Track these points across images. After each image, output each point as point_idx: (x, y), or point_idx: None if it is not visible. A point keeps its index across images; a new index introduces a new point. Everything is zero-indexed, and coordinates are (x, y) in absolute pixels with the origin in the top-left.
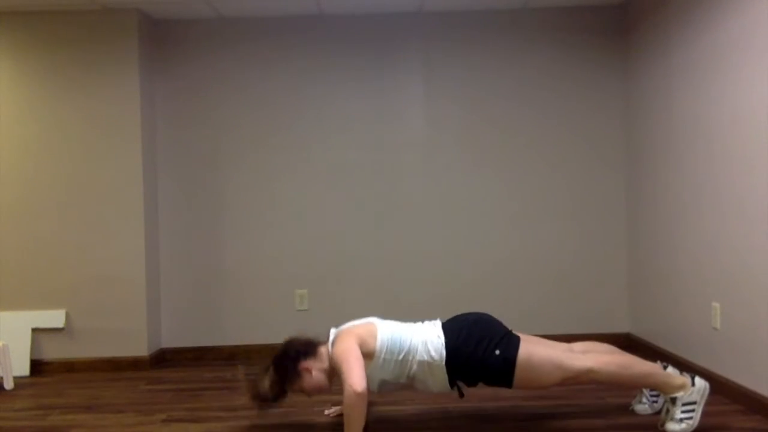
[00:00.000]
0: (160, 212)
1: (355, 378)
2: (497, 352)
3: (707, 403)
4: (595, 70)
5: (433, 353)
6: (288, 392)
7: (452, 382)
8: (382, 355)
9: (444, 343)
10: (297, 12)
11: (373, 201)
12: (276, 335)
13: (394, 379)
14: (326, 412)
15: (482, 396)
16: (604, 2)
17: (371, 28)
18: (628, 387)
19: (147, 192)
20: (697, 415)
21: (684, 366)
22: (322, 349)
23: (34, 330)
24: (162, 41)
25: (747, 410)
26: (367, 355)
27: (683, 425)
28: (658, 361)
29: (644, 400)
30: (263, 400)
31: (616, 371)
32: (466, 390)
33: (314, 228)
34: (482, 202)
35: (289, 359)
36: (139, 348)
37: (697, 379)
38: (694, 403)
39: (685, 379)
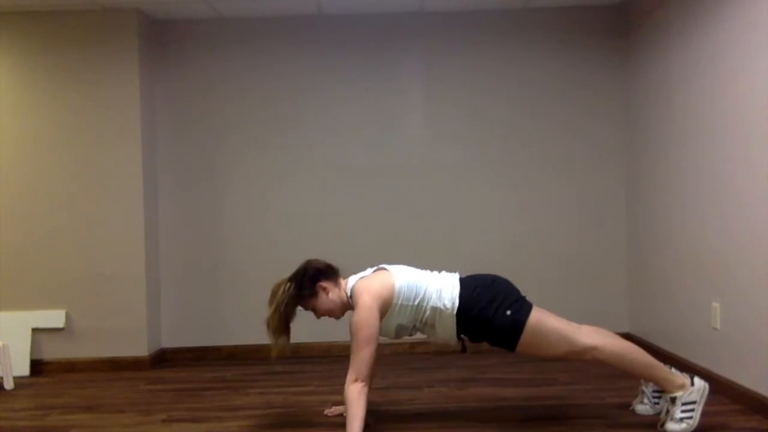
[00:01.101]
0: (160, 212)
1: (363, 375)
2: (508, 312)
3: (707, 403)
4: (595, 69)
5: (446, 302)
6: (296, 310)
7: (459, 334)
8: (399, 302)
9: (459, 294)
10: (297, 12)
11: (374, 201)
12: None
13: (409, 323)
14: (326, 412)
15: (482, 396)
16: (604, 2)
17: (371, 28)
18: (628, 373)
19: (147, 192)
20: (696, 415)
21: (684, 366)
22: (342, 281)
23: (34, 330)
24: (162, 41)
25: (747, 410)
26: (385, 308)
27: (683, 425)
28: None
29: (645, 400)
30: (277, 324)
31: (620, 353)
32: (469, 345)
33: (314, 228)
34: (482, 202)
35: (308, 276)
36: (139, 348)
37: (696, 379)
38: (694, 402)
39: (685, 379)
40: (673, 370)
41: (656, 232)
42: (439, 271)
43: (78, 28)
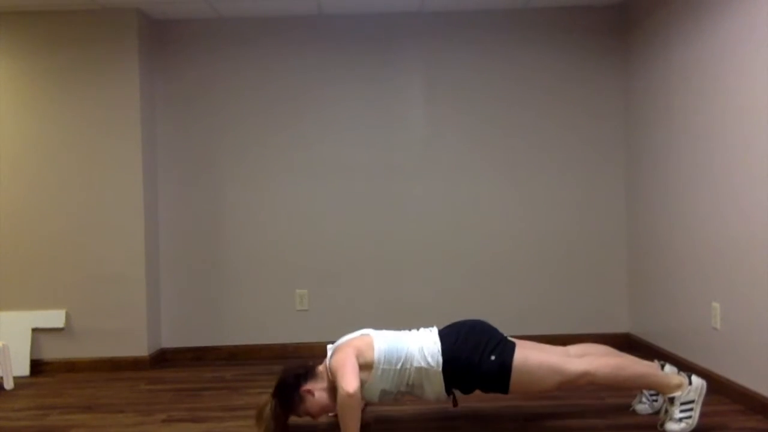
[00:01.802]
0: (160, 212)
1: (347, 380)
2: (493, 357)
3: (706, 403)
4: (595, 69)
5: (429, 359)
6: (289, 420)
7: (448, 389)
8: (381, 366)
9: (440, 349)
10: (297, 12)
11: (374, 201)
12: (276, 335)
13: (393, 387)
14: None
15: (482, 396)
16: (604, 2)
17: (371, 28)
18: (625, 388)
19: (147, 192)
20: (695, 414)
21: (684, 366)
22: (320, 368)
23: (34, 330)
24: (162, 41)
25: (747, 410)
26: (366, 367)
27: (682, 425)
28: (656, 360)
29: (644, 399)
30: None
31: (613, 373)
32: (460, 398)
33: (315, 228)
34: (482, 202)
35: (288, 386)
36: (139, 348)
37: (694, 378)
38: (692, 401)
39: (683, 378)
40: (667, 367)
41: (656, 232)
42: (417, 329)
43: (78, 28)
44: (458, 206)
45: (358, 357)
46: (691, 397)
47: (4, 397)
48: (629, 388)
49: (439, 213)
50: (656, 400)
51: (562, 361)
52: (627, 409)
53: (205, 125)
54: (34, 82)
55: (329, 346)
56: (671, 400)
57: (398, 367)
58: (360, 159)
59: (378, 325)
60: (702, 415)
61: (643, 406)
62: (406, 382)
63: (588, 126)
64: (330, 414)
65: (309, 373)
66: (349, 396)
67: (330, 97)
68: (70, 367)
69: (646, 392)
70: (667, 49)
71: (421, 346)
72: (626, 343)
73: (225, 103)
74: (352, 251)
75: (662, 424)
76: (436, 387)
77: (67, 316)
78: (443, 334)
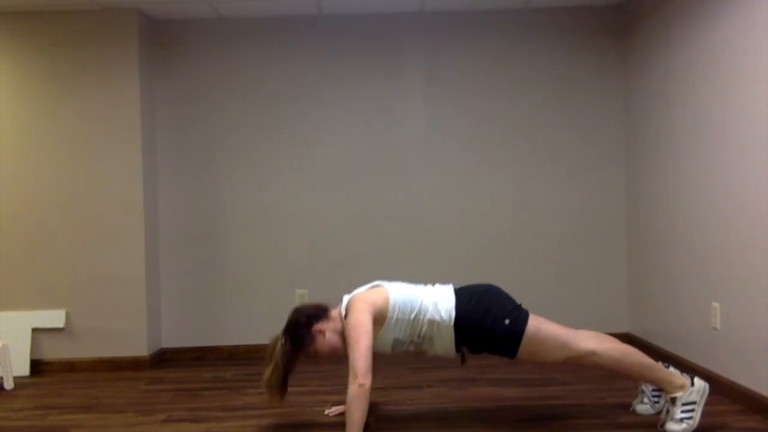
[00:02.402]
0: (160, 212)
1: (361, 371)
2: (507, 321)
3: (707, 403)
4: (595, 70)
5: (443, 314)
6: (298, 362)
7: (458, 346)
8: (395, 316)
9: (454, 305)
10: (297, 12)
11: (374, 201)
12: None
13: (406, 337)
14: (326, 411)
15: (482, 396)
16: (604, 2)
17: (371, 28)
18: (628, 376)
19: (147, 192)
20: (697, 415)
21: (684, 366)
22: (334, 312)
23: (34, 330)
24: (162, 41)
25: (747, 410)
26: (380, 320)
27: (683, 425)
28: (660, 362)
29: (645, 400)
30: (278, 380)
31: (619, 357)
32: (468, 356)
33: (315, 228)
34: (482, 201)
35: (300, 324)
36: (139, 348)
37: (697, 380)
38: (694, 403)
39: (685, 380)
40: (672, 369)
41: (656, 232)
42: (433, 284)
43: (78, 28)
44: (458, 206)
45: (374, 313)
46: (693, 398)
47: (4, 397)
48: (632, 377)
49: (439, 212)
50: (657, 401)
51: (572, 336)
52: (627, 409)
53: (205, 125)
54: (33, 82)
55: (345, 297)
56: (673, 401)
57: (411, 317)
58: (360, 158)
59: None
60: (702, 415)
61: (644, 407)
62: (417, 332)
63: (588, 126)
64: (330, 414)
65: (322, 315)
66: (360, 386)
67: (330, 97)
68: (70, 367)
69: (647, 392)
70: (667, 49)
71: (436, 300)
72: (626, 343)
73: (225, 103)
74: (352, 251)
75: (663, 425)
76: (446, 342)
77: (67, 316)
78: (459, 292)
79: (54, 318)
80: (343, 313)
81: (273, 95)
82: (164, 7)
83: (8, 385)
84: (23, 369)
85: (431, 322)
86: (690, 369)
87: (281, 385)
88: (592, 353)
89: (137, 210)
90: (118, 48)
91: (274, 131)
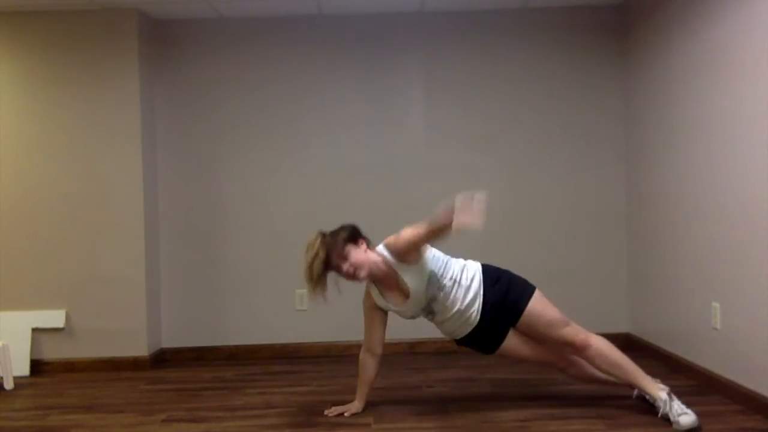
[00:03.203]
0: (160, 212)
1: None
2: (520, 284)
3: (706, 403)
4: (595, 70)
5: (465, 277)
6: (335, 259)
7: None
8: (431, 253)
9: (481, 279)
10: (297, 12)
11: (374, 201)
12: (276, 335)
13: (439, 277)
14: (326, 412)
15: (482, 396)
16: (604, 2)
17: (371, 28)
18: (614, 374)
19: (147, 192)
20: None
21: (684, 366)
22: (374, 249)
23: (34, 330)
24: (162, 41)
25: (747, 410)
26: (420, 253)
27: (692, 415)
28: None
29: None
30: (317, 269)
31: (608, 352)
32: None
33: (315, 228)
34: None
35: (348, 228)
36: (139, 348)
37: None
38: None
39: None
40: (675, 404)
41: (656, 232)
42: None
43: (78, 28)
44: None
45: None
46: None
47: (4, 397)
48: (618, 376)
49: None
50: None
51: (570, 322)
52: (627, 409)
53: (205, 125)
54: (33, 82)
55: (381, 245)
56: (670, 396)
57: (442, 263)
58: (360, 159)
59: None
60: (702, 414)
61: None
62: (443, 279)
63: (588, 126)
64: (330, 414)
65: (367, 239)
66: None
67: (330, 97)
68: (70, 367)
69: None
70: (667, 48)
71: (464, 264)
72: (626, 343)
73: (225, 103)
74: None
75: (674, 424)
76: (459, 303)
77: (67, 316)
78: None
79: (54, 318)
80: (380, 249)
81: (273, 95)
82: (164, 7)
83: (8, 385)
84: (23, 369)
85: (452, 279)
86: (690, 369)
87: (321, 275)
88: (585, 340)
89: (137, 210)
90: (118, 48)
91: (274, 131)
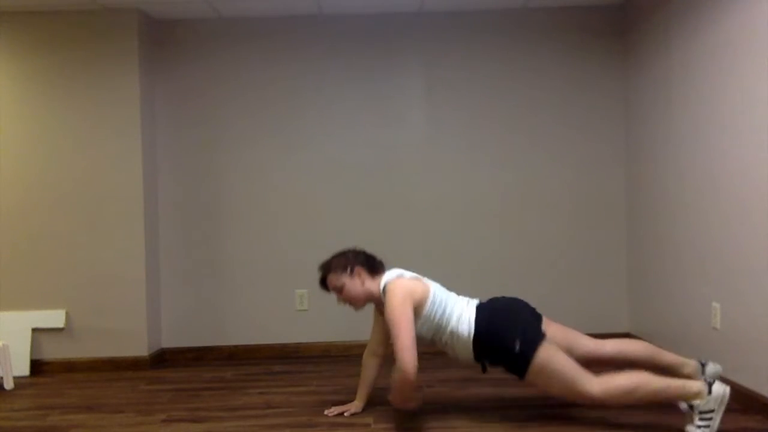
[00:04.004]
0: (160, 212)
1: (409, 365)
2: (517, 346)
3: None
4: (595, 70)
5: (463, 327)
6: (330, 280)
7: (477, 358)
8: (428, 314)
9: (474, 323)
10: (297, 12)
11: (374, 201)
12: (276, 335)
13: (429, 337)
14: (326, 412)
15: (482, 396)
16: (604, 2)
17: (371, 28)
18: (642, 405)
19: (147, 192)
20: (714, 424)
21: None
22: (378, 279)
23: (34, 330)
24: (162, 41)
25: (747, 410)
26: (416, 312)
27: None
28: (695, 360)
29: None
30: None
31: (624, 397)
32: (489, 367)
33: (314, 227)
34: (482, 201)
35: (350, 255)
36: (139, 348)
37: (716, 386)
38: (712, 411)
39: (702, 387)
40: (710, 366)
41: (656, 232)
42: (457, 293)
43: (78, 28)
44: (458, 206)
45: (414, 303)
46: (710, 406)
47: (4, 397)
48: (646, 404)
49: (438, 212)
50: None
51: (579, 378)
52: (627, 409)
53: (205, 125)
54: (33, 82)
55: (393, 270)
56: (691, 407)
57: (439, 321)
58: (360, 158)
59: None
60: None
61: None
62: (440, 337)
63: (588, 126)
64: (330, 414)
65: (374, 269)
66: (411, 375)
67: (330, 97)
68: (70, 367)
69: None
70: (667, 48)
71: (460, 314)
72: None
73: (225, 102)
74: None
75: (686, 425)
76: (465, 354)
77: (67, 316)
78: (480, 309)
79: (54, 318)
80: (382, 286)
81: (273, 95)
82: (164, 7)
83: (8, 385)
84: (23, 369)
85: (452, 333)
86: None
87: (324, 288)
88: (595, 400)
89: (137, 210)
90: (118, 48)
91: (274, 131)
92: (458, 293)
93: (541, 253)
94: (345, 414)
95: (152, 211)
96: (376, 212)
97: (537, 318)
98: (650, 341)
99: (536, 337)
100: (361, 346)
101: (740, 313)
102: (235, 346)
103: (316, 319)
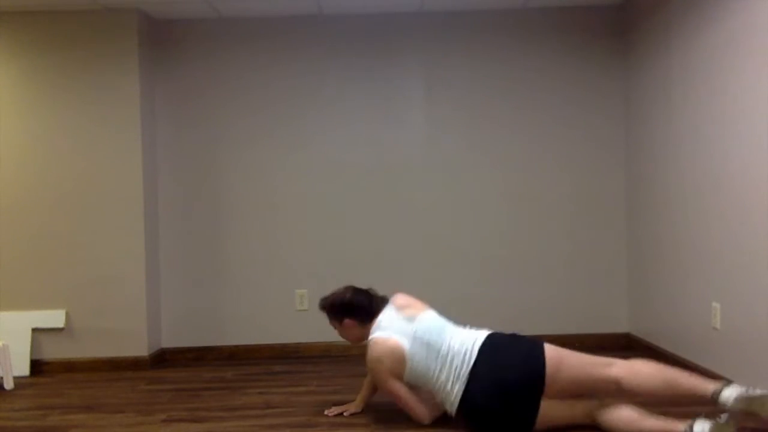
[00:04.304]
0: (160, 212)
1: (421, 418)
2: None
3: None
4: (595, 70)
5: (453, 396)
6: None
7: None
8: (410, 378)
9: (462, 394)
10: (297, 12)
11: (374, 201)
12: (276, 335)
13: (420, 383)
14: (326, 412)
15: None
16: (604, 2)
17: (371, 28)
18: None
19: (147, 192)
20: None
21: (684, 366)
22: (370, 325)
23: (34, 330)
24: (162, 41)
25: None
26: (398, 376)
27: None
28: (717, 382)
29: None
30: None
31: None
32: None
33: (314, 228)
34: (482, 202)
35: (338, 304)
36: (139, 348)
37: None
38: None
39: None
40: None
41: (656, 232)
42: (460, 343)
43: (78, 28)
44: (458, 206)
45: (393, 375)
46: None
47: (4, 397)
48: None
49: (438, 212)
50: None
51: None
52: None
53: (206, 125)
54: (34, 82)
55: (386, 312)
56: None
57: (424, 377)
58: (360, 158)
59: None
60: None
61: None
62: (430, 387)
63: (588, 126)
64: (330, 414)
65: (361, 314)
66: (424, 423)
67: (330, 97)
68: (70, 367)
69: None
70: (667, 49)
71: (449, 376)
72: (626, 343)
73: (225, 102)
74: (352, 251)
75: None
76: (452, 409)
77: (67, 316)
78: (473, 374)
79: (54, 318)
80: (370, 336)
81: (273, 95)
82: (164, 7)
83: (8, 385)
84: (23, 369)
85: (439, 391)
86: (690, 369)
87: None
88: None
89: (137, 210)
90: (118, 48)
91: (274, 131)
92: (458, 293)
93: (541, 252)
94: (345, 414)
95: (152, 211)
96: (376, 212)
97: (533, 377)
98: (650, 341)
99: (534, 402)
100: (361, 347)
101: (740, 313)
102: (236, 346)
103: (316, 319)
